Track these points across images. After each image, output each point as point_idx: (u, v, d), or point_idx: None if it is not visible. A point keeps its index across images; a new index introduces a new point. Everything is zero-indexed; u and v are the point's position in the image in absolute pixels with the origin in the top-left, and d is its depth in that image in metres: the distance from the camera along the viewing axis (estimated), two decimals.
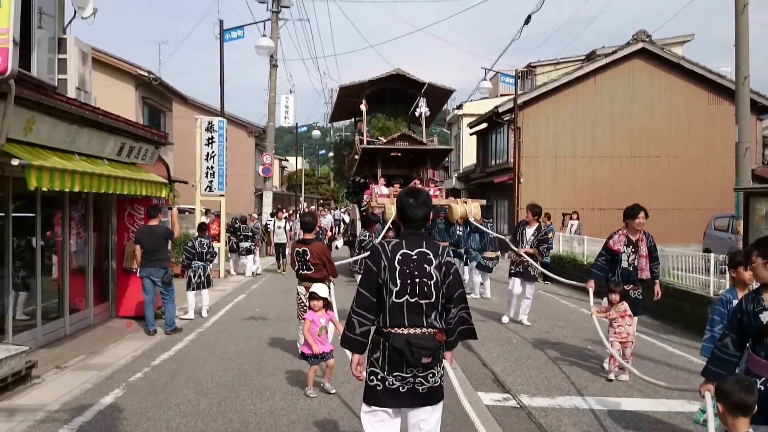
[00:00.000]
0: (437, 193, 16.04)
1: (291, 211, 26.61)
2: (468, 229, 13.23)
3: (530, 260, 9.63)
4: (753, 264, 3.64)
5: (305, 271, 7.08)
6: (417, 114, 18.19)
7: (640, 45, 22.59)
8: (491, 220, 13.66)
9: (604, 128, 23.19)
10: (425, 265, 3.38)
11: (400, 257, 3.39)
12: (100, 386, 6.41)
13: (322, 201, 52.90)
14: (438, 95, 19.06)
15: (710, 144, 22.51)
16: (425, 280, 3.36)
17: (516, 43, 20.05)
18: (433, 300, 3.37)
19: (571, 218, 18.86)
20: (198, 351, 8.05)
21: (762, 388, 3.41)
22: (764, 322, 3.48)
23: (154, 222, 9.39)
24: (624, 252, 6.93)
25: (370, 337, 3.48)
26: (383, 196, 14.84)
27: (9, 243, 7.43)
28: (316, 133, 41.09)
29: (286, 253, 16.68)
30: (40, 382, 6.53)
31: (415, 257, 3.39)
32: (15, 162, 6.16)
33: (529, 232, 9.79)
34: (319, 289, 6.18)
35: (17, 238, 7.72)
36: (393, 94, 19.37)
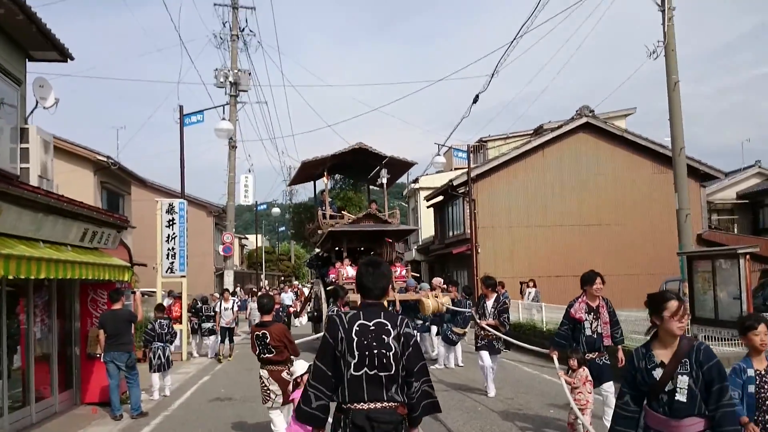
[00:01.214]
0: (404, 272, 16.32)
1: (250, 290, 26.57)
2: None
3: (494, 332, 9.82)
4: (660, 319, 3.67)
5: (267, 354, 6.96)
6: (378, 183, 18.84)
7: (583, 119, 23.87)
8: (470, 297, 13.87)
9: (554, 198, 24.08)
10: (383, 336, 3.33)
11: (358, 328, 3.34)
12: None
13: (283, 278, 52.58)
14: (398, 166, 19.68)
15: (657, 210, 23.52)
16: (384, 351, 3.30)
17: (468, 118, 21.02)
18: (392, 372, 3.31)
19: (528, 286, 19.32)
20: None
21: None
22: (657, 379, 3.60)
23: (117, 306, 9.42)
24: (586, 320, 6.92)
25: (329, 412, 3.40)
26: (349, 279, 15.07)
27: None
28: (276, 210, 41.41)
29: (233, 337, 16.51)
30: None
31: (372, 328, 3.34)
32: None
33: (489, 304, 10.04)
34: (300, 366, 6.27)
35: None
36: (354, 166, 19.92)
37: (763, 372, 4.27)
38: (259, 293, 17.87)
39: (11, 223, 7.35)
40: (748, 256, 8.47)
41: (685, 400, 3.52)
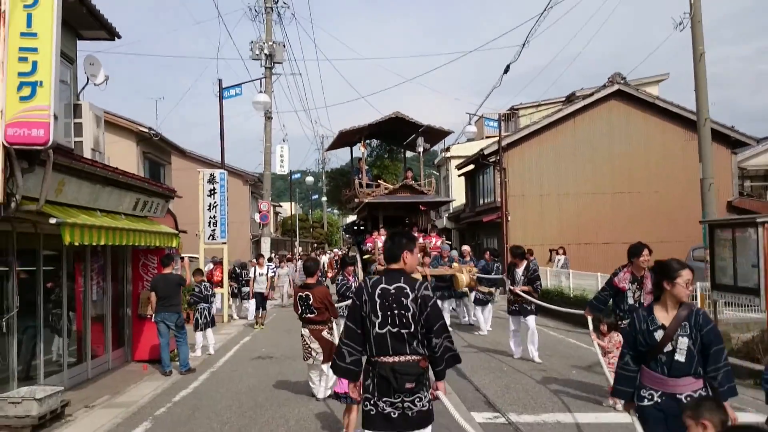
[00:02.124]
0: (439, 242, 16.56)
1: (283, 257, 27.37)
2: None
3: (527, 297, 10.17)
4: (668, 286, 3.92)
5: (309, 315, 7.38)
6: (416, 151, 19.23)
7: (615, 87, 23.77)
8: (498, 258, 14.43)
9: (585, 166, 24.17)
10: (402, 299, 3.77)
11: (380, 291, 3.82)
12: (129, 420, 7.07)
13: (316, 245, 53.57)
14: (435, 135, 19.97)
15: (688, 178, 23.39)
16: (403, 312, 3.74)
17: (501, 86, 21.15)
18: (412, 330, 3.74)
19: (557, 253, 19.65)
20: (214, 388, 8.71)
21: (659, 401, 3.83)
22: (658, 340, 3.85)
23: (167, 270, 10.14)
24: (629, 289, 7.07)
25: (362, 366, 3.87)
26: None
27: (41, 294, 8.14)
28: (310, 179, 42.14)
29: (266, 303, 16.47)
30: (73, 420, 7.17)
31: (393, 291, 3.80)
32: (53, 221, 6.91)
33: (519, 272, 10.40)
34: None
35: (45, 289, 8.44)
36: (391, 134, 20.28)
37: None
38: (304, 257, 18.24)
39: (72, 194, 8.04)
40: (766, 225, 8.75)
41: (683, 360, 3.79)
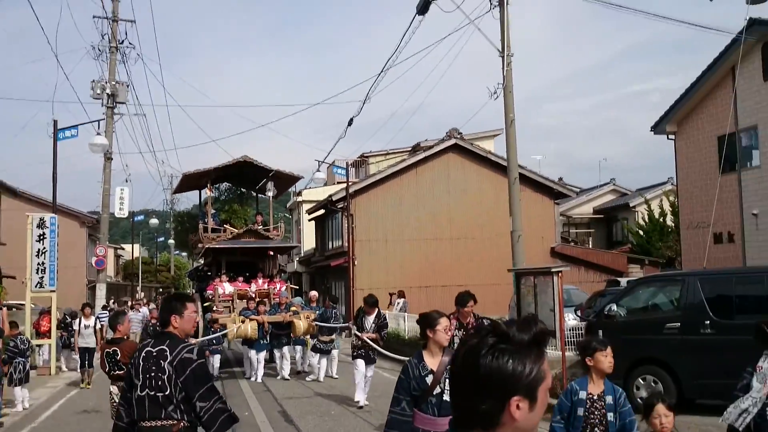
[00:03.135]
0: (283, 288, 16.57)
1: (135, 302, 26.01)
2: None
3: (372, 344, 10.56)
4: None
5: (117, 371, 6.84)
6: (266, 195, 19.26)
7: (452, 141, 25.68)
8: (336, 306, 14.80)
9: (426, 214, 25.67)
10: (161, 361, 3.81)
11: (144, 354, 3.88)
12: None
13: (161, 289, 51.43)
14: (285, 180, 20.05)
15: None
16: (160, 374, 3.78)
17: (355, 129, 22.04)
18: (167, 393, 3.76)
19: (396, 297, 20.61)
20: None
21: None
22: (429, 384, 4.20)
23: None
24: (456, 335, 7.26)
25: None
26: (225, 297, 15.52)
27: None
28: (154, 221, 40.72)
29: (94, 359, 13.89)
30: None
31: (155, 354, 3.86)
32: None
33: (370, 319, 10.74)
34: None
35: None
36: (240, 177, 20.18)
37: (595, 397, 4.24)
38: (114, 309, 17.12)
39: None
40: (560, 274, 10.01)
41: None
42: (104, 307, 18.07)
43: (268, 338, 14.04)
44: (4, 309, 11.49)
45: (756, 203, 17.73)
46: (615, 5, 13.02)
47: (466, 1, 11.39)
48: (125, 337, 7.28)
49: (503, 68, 12.11)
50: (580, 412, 4.18)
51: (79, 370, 15.24)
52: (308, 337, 14.56)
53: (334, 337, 13.92)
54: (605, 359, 4.21)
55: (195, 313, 4.11)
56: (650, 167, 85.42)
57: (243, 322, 13.55)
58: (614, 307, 10.11)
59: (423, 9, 11.89)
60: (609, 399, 4.19)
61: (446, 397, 4.18)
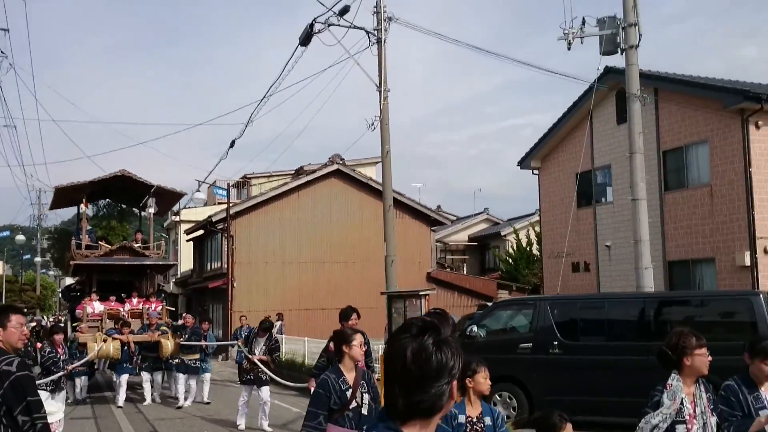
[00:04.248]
0: (159, 308, 16.13)
1: None
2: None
3: (263, 367, 10.42)
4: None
5: None
6: (145, 214, 18.61)
7: (335, 166, 26.29)
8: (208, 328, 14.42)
9: (308, 236, 26.00)
10: None
11: None
12: None
13: (26, 310, 47.99)
14: (168, 196, 19.55)
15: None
16: None
17: (240, 148, 22.00)
18: None
19: (276, 319, 20.70)
20: None
21: None
22: (348, 397, 4.42)
23: None
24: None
25: None
26: (94, 316, 14.96)
27: None
28: (20, 238, 38.20)
29: None
30: None
31: None
32: None
33: (261, 342, 10.74)
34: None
35: None
36: (120, 193, 19.51)
37: (474, 419, 4.08)
38: None
39: None
40: (428, 297, 10.75)
41: (367, 414, 4.39)
42: None
43: (137, 360, 13.49)
44: None
45: (609, 236, 19.58)
46: (485, 51, 14.14)
47: (349, 34, 11.97)
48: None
49: (380, 102, 12.83)
50: None
51: None
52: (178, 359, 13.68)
53: (200, 356, 13.29)
54: (485, 381, 4.13)
55: (21, 326, 3.90)
56: (522, 198, 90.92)
57: (105, 341, 13.01)
58: (475, 328, 10.94)
59: (305, 40, 12.40)
60: (488, 420, 4.10)
61: (364, 411, 4.42)
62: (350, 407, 4.37)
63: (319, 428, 4.31)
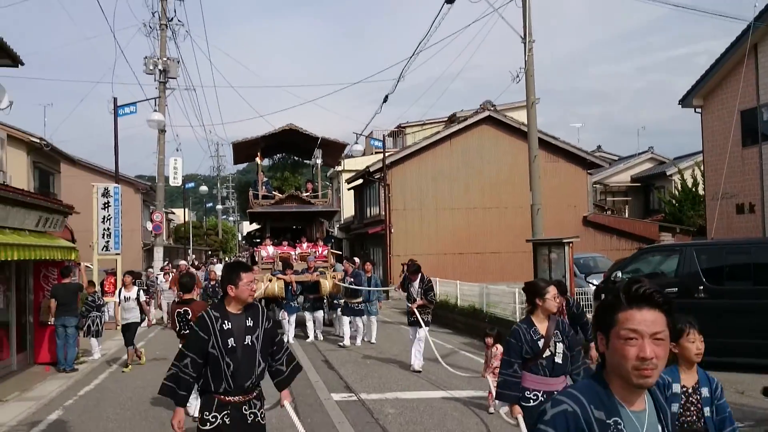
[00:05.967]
0: (325, 252, 17.21)
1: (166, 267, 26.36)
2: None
3: (417, 313, 10.66)
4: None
5: (188, 331, 6.59)
6: (312, 165, 20.18)
7: (486, 113, 26.55)
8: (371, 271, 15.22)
9: (460, 183, 26.76)
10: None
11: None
12: (43, 409, 8.31)
13: (210, 252, 53.82)
14: (332, 147, 20.89)
15: (547, 196, 26.44)
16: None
17: (398, 94, 23.03)
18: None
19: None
20: (113, 384, 10.00)
21: (542, 399, 4.44)
22: (541, 347, 4.53)
23: (66, 280, 11.29)
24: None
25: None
26: (268, 259, 16.76)
27: None
28: (203, 188, 42.76)
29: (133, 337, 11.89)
30: None
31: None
32: None
33: (415, 284, 11.13)
34: None
35: None
36: (289, 146, 21.31)
37: (690, 390, 3.49)
38: (180, 272, 16.93)
39: None
40: (571, 245, 11.14)
41: (561, 362, 4.53)
42: (162, 269, 19.74)
43: (299, 300, 14.44)
44: (82, 265, 13.16)
45: None
46: None
47: None
48: (195, 298, 7.77)
49: (525, 54, 13.04)
50: (675, 408, 3.41)
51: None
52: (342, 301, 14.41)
53: (362, 299, 13.62)
54: (692, 345, 3.44)
55: (250, 282, 4.17)
56: (691, 132, 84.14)
57: (270, 281, 14.29)
58: (620, 273, 11.20)
59: None
60: (705, 391, 3.48)
61: (558, 360, 4.57)
62: (543, 356, 4.55)
63: (515, 376, 4.53)
